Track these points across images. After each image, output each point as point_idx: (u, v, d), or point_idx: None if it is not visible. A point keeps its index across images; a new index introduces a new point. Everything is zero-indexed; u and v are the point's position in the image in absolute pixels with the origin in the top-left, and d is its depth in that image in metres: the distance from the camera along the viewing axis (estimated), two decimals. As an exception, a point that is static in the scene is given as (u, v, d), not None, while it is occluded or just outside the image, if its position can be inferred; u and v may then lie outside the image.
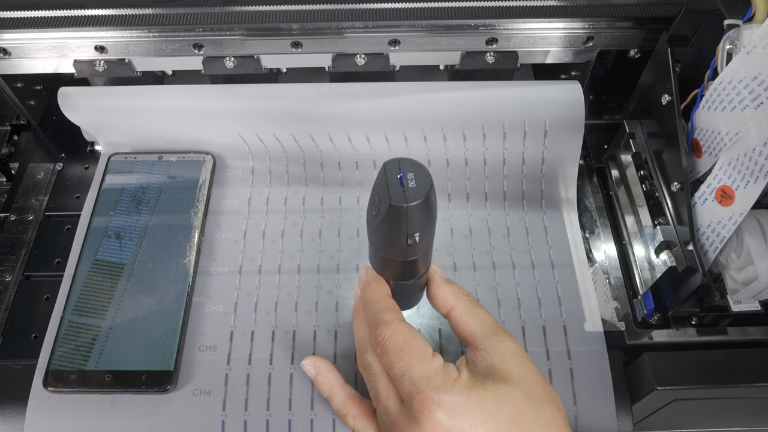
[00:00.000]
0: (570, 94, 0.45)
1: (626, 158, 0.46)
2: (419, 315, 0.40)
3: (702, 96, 0.37)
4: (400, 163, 0.29)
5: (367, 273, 0.35)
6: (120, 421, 0.37)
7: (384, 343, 0.31)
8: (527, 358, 0.32)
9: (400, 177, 0.28)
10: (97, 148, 0.50)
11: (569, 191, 0.46)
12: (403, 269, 0.32)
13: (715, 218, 0.36)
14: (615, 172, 0.48)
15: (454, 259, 0.43)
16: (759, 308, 0.39)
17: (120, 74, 0.48)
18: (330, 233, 0.44)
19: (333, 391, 0.36)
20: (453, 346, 0.40)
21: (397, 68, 0.49)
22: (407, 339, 0.31)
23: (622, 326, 0.41)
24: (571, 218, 0.45)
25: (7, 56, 0.47)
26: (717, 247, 0.36)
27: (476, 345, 0.32)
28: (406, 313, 0.34)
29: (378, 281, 0.34)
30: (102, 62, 0.48)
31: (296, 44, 0.47)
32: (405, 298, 0.35)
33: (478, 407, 0.29)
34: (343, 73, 0.48)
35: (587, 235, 0.46)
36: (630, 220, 0.45)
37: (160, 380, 0.37)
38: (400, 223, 0.28)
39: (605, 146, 0.50)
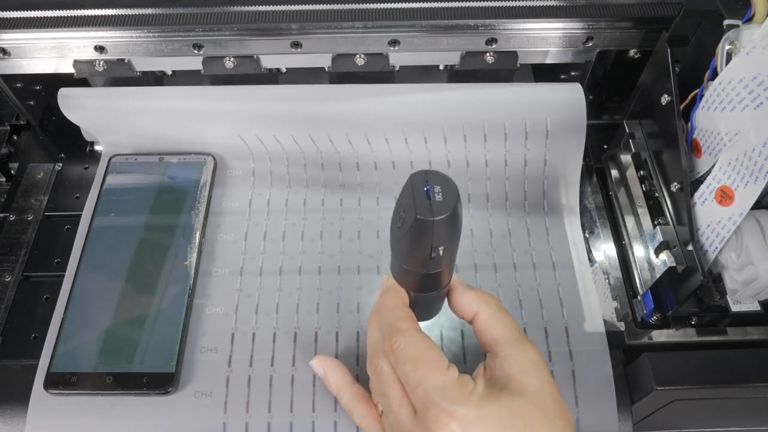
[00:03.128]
0: (571, 95, 0.45)
1: (626, 158, 0.46)
2: (438, 326, 0.40)
3: (702, 96, 0.37)
4: (426, 176, 0.28)
5: (388, 280, 0.34)
6: (121, 423, 0.37)
7: (398, 351, 0.31)
8: (545, 369, 0.32)
9: (427, 190, 0.28)
10: (97, 148, 0.50)
11: (571, 193, 0.46)
12: (425, 281, 0.32)
13: (714, 218, 0.36)
14: (615, 173, 0.48)
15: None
16: (759, 308, 0.39)
17: (120, 74, 0.48)
18: (331, 234, 0.44)
19: (341, 390, 0.36)
20: (472, 357, 0.39)
21: (397, 68, 0.49)
22: (422, 349, 0.31)
23: (621, 326, 0.41)
24: (572, 219, 0.45)
25: (6, 56, 0.47)
26: (717, 248, 0.36)
27: (496, 352, 0.32)
28: (424, 324, 0.34)
29: (397, 289, 0.34)
30: (102, 62, 0.47)
31: (296, 44, 0.46)
32: (425, 309, 0.35)
33: (492, 420, 0.29)
34: (342, 73, 0.48)
35: (587, 236, 0.46)
36: (630, 220, 0.45)
37: (161, 382, 0.37)
38: (425, 237, 0.28)
39: (605, 146, 0.50)
